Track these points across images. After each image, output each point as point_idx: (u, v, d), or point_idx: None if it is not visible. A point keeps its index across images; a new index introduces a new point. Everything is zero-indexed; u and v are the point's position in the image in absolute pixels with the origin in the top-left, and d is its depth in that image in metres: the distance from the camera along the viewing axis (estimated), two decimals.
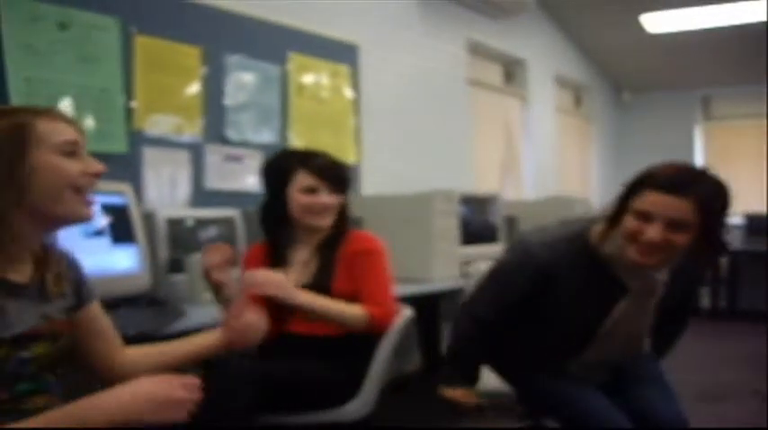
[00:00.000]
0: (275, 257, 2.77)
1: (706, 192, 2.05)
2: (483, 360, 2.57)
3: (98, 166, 1.65)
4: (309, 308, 2.54)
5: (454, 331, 2.52)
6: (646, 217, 2.07)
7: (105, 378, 1.84)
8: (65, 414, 1.44)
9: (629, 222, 2.11)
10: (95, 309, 1.84)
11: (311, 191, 2.68)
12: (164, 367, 1.88)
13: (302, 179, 2.69)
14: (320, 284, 2.64)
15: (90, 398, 1.48)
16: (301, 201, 2.70)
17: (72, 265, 1.80)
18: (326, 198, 2.71)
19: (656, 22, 7.52)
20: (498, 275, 2.42)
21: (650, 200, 2.06)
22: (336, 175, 2.76)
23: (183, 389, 1.53)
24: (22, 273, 1.61)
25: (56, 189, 1.56)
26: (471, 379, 2.49)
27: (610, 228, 2.20)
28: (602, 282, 2.26)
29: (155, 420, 1.47)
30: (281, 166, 2.78)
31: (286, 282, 2.51)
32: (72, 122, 1.65)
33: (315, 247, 2.74)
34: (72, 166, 1.59)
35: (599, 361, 2.45)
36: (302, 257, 2.74)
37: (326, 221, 2.72)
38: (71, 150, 1.60)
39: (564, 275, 2.25)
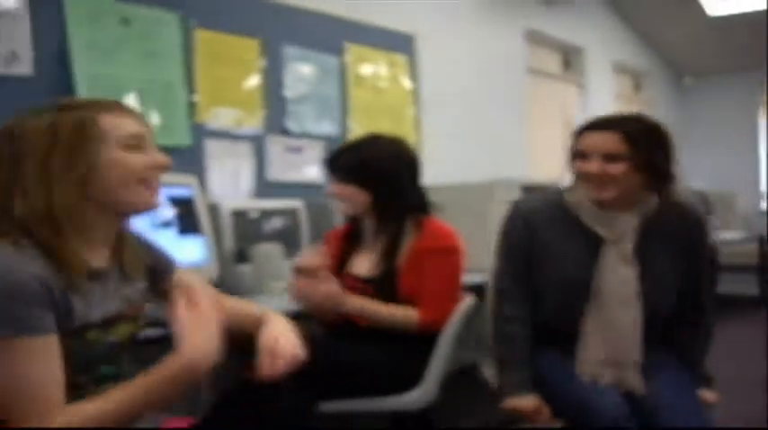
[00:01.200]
0: (350, 241, 2.80)
1: (632, 127, 2.32)
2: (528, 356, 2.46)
3: (163, 159, 1.66)
4: (359, 313, 2.55)
5: (494, 333, 2.49)
6: (585, 155, 2.34)
7: None
8: (164, 368, 1.51)
9: (576, 164, 2.37)
10: (182, 275, 1.88)
11: (330, 181, 2.76)
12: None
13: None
14: (386, 283, 2.64)
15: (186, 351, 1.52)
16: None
17: (143, 244, 1.83)
18: (335, 187, 2.74)
19: (715, 5, 7.38)
20: (501, 241, 2.53)
21: (586, 140, 2.36)
22: (337, 164, 2.76)
23: None
24: (101, 259, 1.63)
25: (122, 182, 1.58)
26: (528, 381, 2.40)
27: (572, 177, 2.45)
28: (576, 230, 2.40)
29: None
30: None
31: (335, 293, 2.52)
32: (136, 115, 1.66)
33: (385, 242, 2.70)
34: (137, 160, 1.60)
35: (606, 341, 2.36)
36: (374, 248, 2.73)
37: (350, 210, 2.73)
38: (135, 143, 1.61)
39: (543, 226, 2.43)
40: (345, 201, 2.72)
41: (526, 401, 2.34)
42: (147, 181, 1.62)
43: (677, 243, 2.40)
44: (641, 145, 2.30)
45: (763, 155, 9.24)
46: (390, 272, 2.64)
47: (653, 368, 2.34)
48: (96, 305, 1.57)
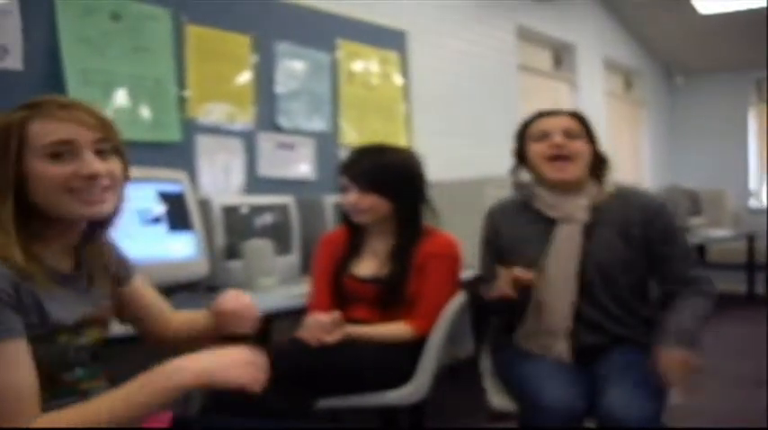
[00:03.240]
0: (351, 246, 2.78)
1: (578, 113, 2.60)
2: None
3: (91, 168, 1.53)
4: (356, 337, 2.55)
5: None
6: (546, 134, 2.51)
7: (162, 343, 1.92)
8: (146, 378, 1.45)
9: (535, 147, 2.54)
10: (138, 283, 1.88)
11: (345, 189, 2.69)
12: (195, 335, 1.93)
13: (341, 178, 2.71)
14: (394, 283, 2.64)
15: (172, 361, 1.49)
16: (341, 199, 2.74)
17: (110, 249, 1.80)
18: (354, 196, 2.66)
19: (707, 4, 7.40)
20: (480, 238, 2.75)
21: (543, 122, 2.55)
22: (367, 175, 2.67)
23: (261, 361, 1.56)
24: (66, 263, 1.61)
25: (46, 192, 1.51)
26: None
27: (516, 168, 2.67)
28: (531, 218, 2.56)
29: (234, 381, 1.49)
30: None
31: (328, 325, 2.51)
32: (80, 117, 1.55)
33: (391, 245, 2.70)
34: (58, 171, 1.51)
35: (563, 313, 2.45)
36: (378, 251, 2.73)
37: (365, 219, 2.69)
38: (59, 151, 1.52)
39: (505, 221, 2.64)
40: (366, 211, 2.68)
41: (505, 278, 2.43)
42: (75, 191, 1.52)
43: (636, 228, 2.47)
44: (589, 128, 2.57)
45: (753, 153, 9.28)
46: (401, 272, 2.65)
47: (611, 347, 2.42)
48: (67, 308, 1.55)
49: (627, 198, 2.53)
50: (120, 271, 1.82)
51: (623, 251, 2.45)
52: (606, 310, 2.45)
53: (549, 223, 2.51)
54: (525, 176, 2.66)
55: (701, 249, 7.08)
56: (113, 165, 1.59)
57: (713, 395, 4.39)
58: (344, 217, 2.80)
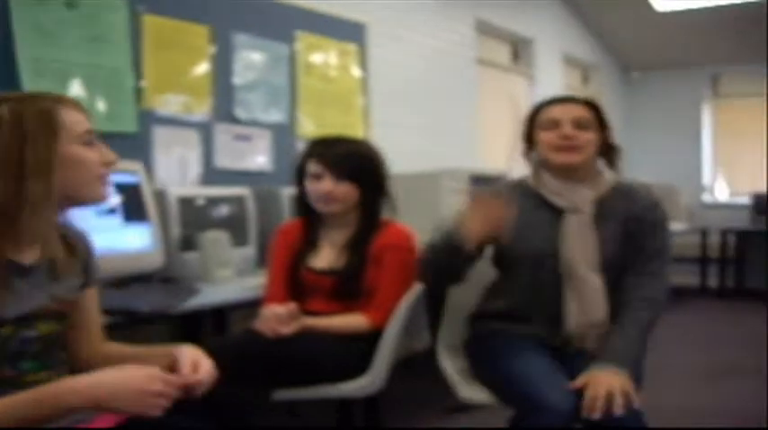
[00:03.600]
0: (308, 237, 2.76)
1: (593, 103, 2.56)
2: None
3: (112, 156, 1.68)
4: (312, 330, 2.55)
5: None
6: (556, 123, 2.47)
7: (75, 368, 1.78)
8: (38, 393, 1.43)
9: (543, 135, 2.49)
10: (91, 297, 1.83)
11: (317, 177, 2.65)
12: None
13: (311, 166, 2.67)
14: (350, 274, 2.65)
15: (67, 380, 1.48)
16: (309, 188, 2.68)
17: (86, 246, 1.80)
18: (330, 185, 2.63)
19: (663, 1, 7.49)
20: None
21: (554, 110, 2.51)
22: (343, 163, 2.65)
23: (163, 384, 1.50)
24: (30, 254, 1.61)
25: (82, 178, 1.60)
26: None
27: (527, 152, 2.60)
28: (536, 204, 2.51)
29: (127, 409, 1.46)
30: (302, 154, 2.76)
31: (285, 316, 2.49)
32: (85, 111, 1.67)
33: (348, 236, 2.70)
34: (93, 156, 1.62)
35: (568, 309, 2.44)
36: (335, 243, 2.72)
37: (335, 208, 2.66)
38: (90, 140, 1.63)
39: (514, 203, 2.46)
40: (339, 200, 2.66)
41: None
42: (102, 177, 1.65)
43: (633, 221, 2.47)
44: (602, 118, 2.54)
45: (707, 149, 9.41)
46: (358, 263, 2.65)
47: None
48: (16, 301, 1.55)
49: (627, 192, 2.53)
50: (88, 273, 1.81)
51: (625, 245, 2.45)
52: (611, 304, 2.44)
53: (555, 212, 2.48)
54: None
55: None
56: None
57: (667, 387, 4.45)
58: (301, 208, 2.78)
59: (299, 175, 2.73)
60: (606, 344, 2.33)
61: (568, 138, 2.44)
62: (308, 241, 2.75)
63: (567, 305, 2.43)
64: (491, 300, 2.62)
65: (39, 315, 1.60)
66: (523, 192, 2.55)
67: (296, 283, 2.70)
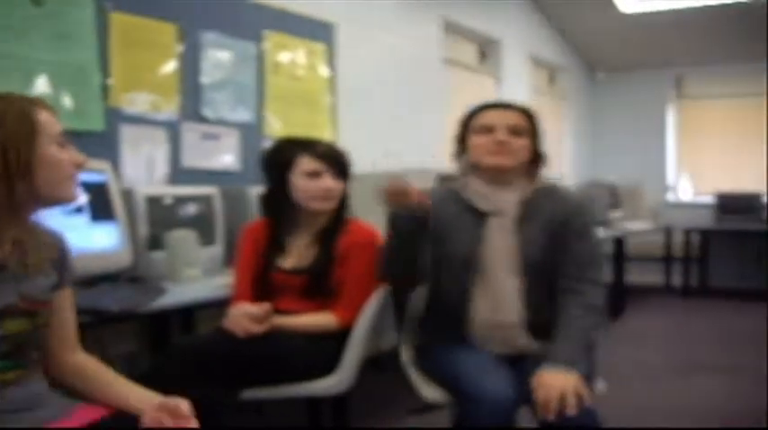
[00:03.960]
0: (274, 239, 2.77)
1: (529, 110, 2.59)
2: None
3: (82, 158, 1.71)
4: (282, 328, 2.56)
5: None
6: (490, 129, 2.50)
7: (48, 370, 1.78)
8: None
9: (476, 140, 2.53)
10: (65, 298, 1.82)
11: (315, 175, 2.68)
12: (101, 399, 1.78)
13: (306, 164, 2.68)
14: (319, 272, 2.66)
15: None
16: (305, 185, 2.69)
17: (60, 247, 1.80)
18: (330, 182, 2.69)
19: (629, 2, 7.56)
20: None
21: (490, 115, 2.54)
22: (340, 160, 2.75)
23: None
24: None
25: (56, 178, 1.62)
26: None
27: (458, 155, 2.63)
28: (462, 208, 2.54)
29: None
30: (282, 152, 2.76)
31: (257, 315, 2.50)
32: (55, 113, 1.69)
33: (315, 234, 2.73)
34: (67, 157, 1.65)
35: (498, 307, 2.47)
36: (302, 242, 2.74)
37: (330, 205, 2.71)
38: (62, 141, 1.65)
39: (441, 207, 2.54)
40: (336, 197, 2.73)
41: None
42: (73, 177, 1.67)
43: (558, 224, 2.50)
44: (536, 126, 2.58)
45: (671, 149, 9.51)
46: (326, 261, 2.67)
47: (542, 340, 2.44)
48: None
49: (551, 195, 2.56)
50: (63, 274, 1.80)
51: (547, 247, 2.48)
52: (537, 305, 2.47)
53: (480, 215, 2.52)
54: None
55: (619, 242, 7.24)
56: None
57: (629, 385, 4.50)
58: (272, 206, 2.79)
59: (277, 174, 2.74)
60: (552, 346, 2.35)
61: (502, 143, 2.48)
62: (275, 241, 2.76)
63: (475, 304, 2.48)
64: (429, 302, 2.65)
65: (5, 313, 1.60)
66: (450, 196, 2.60)
67: (265, 283, 2.71)
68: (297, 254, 2.72)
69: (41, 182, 1.58)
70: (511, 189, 2.53)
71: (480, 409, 2.18)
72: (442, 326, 2.57)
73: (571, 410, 2.13)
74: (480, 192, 2.53)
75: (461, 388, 2.29)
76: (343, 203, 2.78)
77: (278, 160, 2.75)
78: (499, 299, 2.47)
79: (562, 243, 2.48)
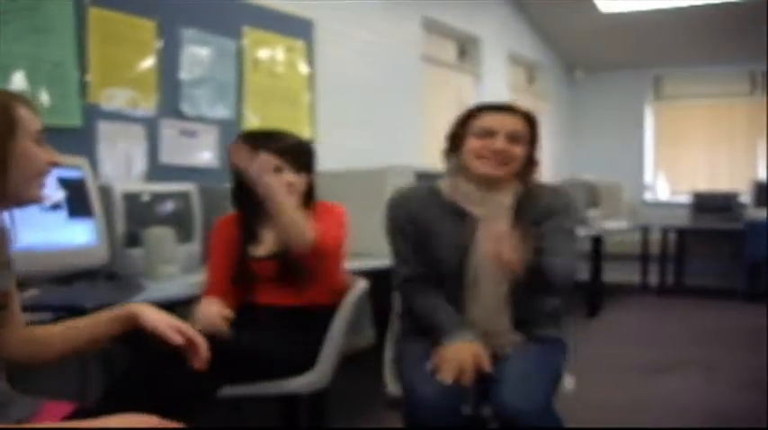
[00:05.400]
0: (246, 230, 2.78)
1: (529, 114, 2.50)
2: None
3: (58, 156, 1.66)
4: (270, 195, 2.56)
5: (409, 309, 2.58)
6: (489, 133, 2.41)
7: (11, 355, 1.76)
8: None
9: (474, 143, 2.44)
10: (12, 280, 1.79)
11: (276, 170, 2.68)
12: (73, 341, 1.82)
13: (271, 160, 2.69)
14: (291, 255, 2.66)
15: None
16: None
17: (5, 235, 1.78)
18: (291, 177, 2.70)
19: (608, 2, 7.60)
20: (389, 229, 2.59)
21: (491, 119, 2.44)
22: (300, 154, 2.76)
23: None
24: None
25: (28, 175, 1.57)
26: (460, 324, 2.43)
27: (449, 153, 2.56)
28: (445, 210, 2.49)
29: None
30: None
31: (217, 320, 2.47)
32: (36, 110, 1.64)
33: None
34: (43, 155, 1.60)
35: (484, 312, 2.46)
36: (273, 231, 2.74)
37: (293, 199, 2.70)
38: (41, 139, 1.61)
39: (419, 211, 2.51)
40: (298, 192, 2.73)
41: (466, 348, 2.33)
42: (44, 176, 1.63)
43: (541, 218, 2.47)
44: (535, 131, 2.50)
45: (648, 148, 9.57)
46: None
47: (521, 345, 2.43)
48: None
49: (537, 196, 2.51)
50: (9, 255, 1.78)
51: (535, 249, 2.40)
52: (524, 306, 2.46)
53: (467, 219, 2.46)
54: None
55: (597, 240, 7.28)
56: None
57: (607, 383, 4.53)
58: (241, 199, 2.80)
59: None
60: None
61: (498, 152, 2.40)
62: (248, 233, 2.77)
63: (463, 313, 2.45)
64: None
65: None
66: (431, 196, 2.55)
67: (241, 275, 2.72)
68: (269, 242, 2.73)
69: (14, 178, 1.55)
70: (502, 193, 2.47)
71: (418, 413, 2.20)
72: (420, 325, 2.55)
73: (468, 376, 2.22)
74: (471, 196, 2.48)
75: (406, 387, 2.31)
76: (310, 194, 2.79)
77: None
78: (488, 306, 2.44)
79: (545, 228, 2.46)
